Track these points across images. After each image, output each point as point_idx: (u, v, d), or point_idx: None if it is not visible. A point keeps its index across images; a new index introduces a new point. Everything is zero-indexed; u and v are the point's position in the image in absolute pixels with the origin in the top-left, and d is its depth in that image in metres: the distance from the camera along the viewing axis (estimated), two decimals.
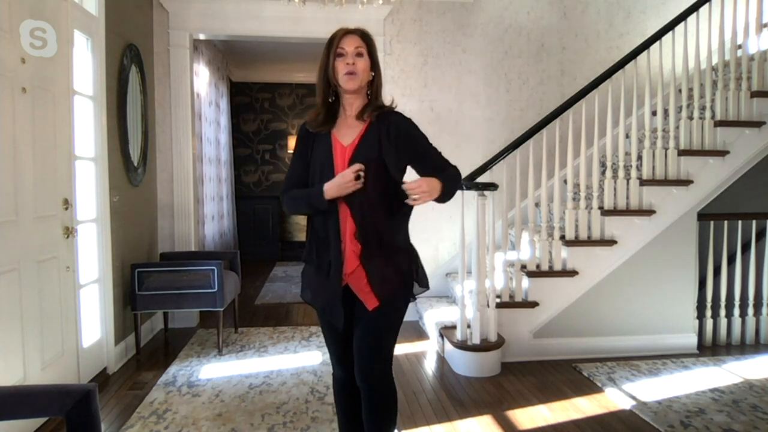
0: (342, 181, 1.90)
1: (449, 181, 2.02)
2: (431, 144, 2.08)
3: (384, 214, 1.98)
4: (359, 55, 1.97)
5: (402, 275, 2.03)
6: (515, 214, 4.05)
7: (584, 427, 2.85)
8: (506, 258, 3.87)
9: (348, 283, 2.00)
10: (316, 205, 1.96)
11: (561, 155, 4.08)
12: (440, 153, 2.08)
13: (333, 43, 1.99)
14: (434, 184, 1.94)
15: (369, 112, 2.00)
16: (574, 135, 4.29)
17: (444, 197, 2.01)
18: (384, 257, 1.98)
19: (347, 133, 2.02)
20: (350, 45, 1.97)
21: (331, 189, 1.92)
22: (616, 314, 3.95)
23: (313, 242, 2.05)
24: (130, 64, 3.99)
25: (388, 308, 1.99)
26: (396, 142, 1.99)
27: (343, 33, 2.00)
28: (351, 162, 1.95)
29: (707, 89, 4.10)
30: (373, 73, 2.02)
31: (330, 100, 2.05)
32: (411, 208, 2.02)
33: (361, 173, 1.90)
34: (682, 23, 3.95)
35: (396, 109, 2.07)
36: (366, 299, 1.98)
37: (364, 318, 2.00)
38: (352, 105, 2.03)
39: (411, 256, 2.09)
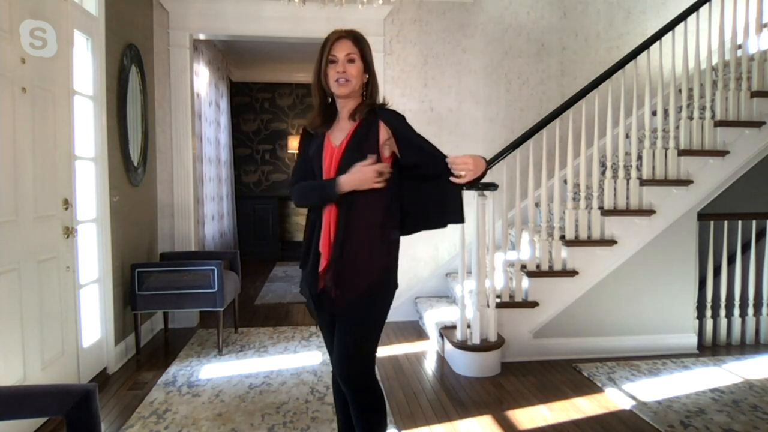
0: (363, 178, 1.90)
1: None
2: (422, 137, 2.03)
3: (370, 213, 1.96)
4: (351, 61, 1.97)
5: (374, 274, 1.98)
6: (515, 214, 4.05)
7: (584, 427, 2.85)
8: (506, 258, 3.87)
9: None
10: (326, 196, 1.96)
11: (561, 155, 4.08)
12: (433, 146, 2.01)
13: (325, 49, 1.98)
14: (480, 162, 1.89)
15: (360, 112, 2.00)
16: (574, 135, 4.29)
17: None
18: (358, 257, 1.95)
19: (338, 135, 2.03)
20: (341, 51, 1.97)
21: (348, 183, 1.91)
22: (616, 314, 3.95)
23: (304, 238, 2.11)
24: (130, 64, 3.99)
25: (358, 309, 1.97)
26: (383, 137, 1.99)
27: (335, 38, 1.99)
28: (341, 163, 1.96)
29: (707, 89, 4.10)
30: (367, 76, 2.02)
31: (328, 101, 2.07)
32: (398, 207, 2.02)
33: (384, 171, 1.91)
34: (682, 23, 3.95)
35: (389, 107, 2.06)
36: (335, 299, 1.98)
37: (337, 319, 2.00)
38: (345, 107, 2.04)
39: (390, 253, 2.03)
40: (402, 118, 2.04)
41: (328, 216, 1.98)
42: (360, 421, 2.01)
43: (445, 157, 1.95)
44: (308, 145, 2.09)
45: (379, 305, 2.02)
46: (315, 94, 2.05)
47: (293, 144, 8.47)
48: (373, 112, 2.01)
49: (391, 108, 2.07)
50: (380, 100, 2.08)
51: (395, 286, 2.06)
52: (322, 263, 1.99)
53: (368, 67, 2.02)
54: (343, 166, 1.95)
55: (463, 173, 1.87)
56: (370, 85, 2.04)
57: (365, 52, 2.01)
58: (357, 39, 2.00)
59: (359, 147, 1.97)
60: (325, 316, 2.08)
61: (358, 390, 1.99)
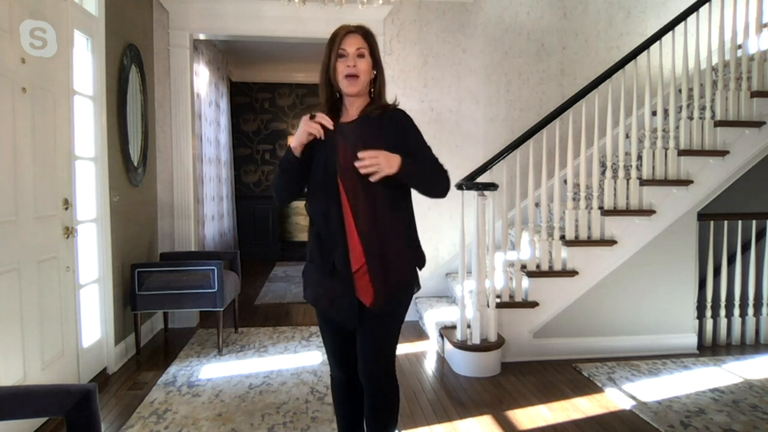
0: (299, 130, 1.89)
1: (426, 170, 1.96)
2: (427, 145, 2.03)
3: (388, 208, 1.94)
4: (360, 56, 1.94)
5: (405, 274, 2.00)
6: (515, 214, 4.05)
7: (584, 427, 2.85)
8: (506, 258, 3.87)
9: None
10: (287, 159, 1.95)
11: (561, 155, 4.08)
12: (434, 156, 2.02)
13: (335, 43, 1.95)
14: (393, 160, 1.83)
15: (371, 112, 1.99)
16: (574, 135, 4.29)
17: (413, 182, 1.95)
18: (387, 254, 1.94)
19: None
20: (351, 46, 1.94)
21: (293, 141, 1.93)
22: (616, 314, 3.95)
23: (315, 241, 2.00)
24: (130, 64, 3.99)
25: (391, 308, 1.98)
26: (395, 137, 1.97)
27: (345, 33, 1.96)
28: (350, 144, 1.91)
29: (707, 89, 4.09)
30: (375, 72, 2.00)
31: (336, 97, 2.04)
32: (409, 202, 2.02)
33: (324, 122, 1.86)
34: (682, 23, 3.95)
35: (397, 106, 2.05)
36: (365, 298, 1.95)
37: (368, 318, 1.97)
38: (353, 105, 2.02)
39: (416, 254, 2.06)
40: (414, 123, 2.04)
41: (349, 215, 1.91)
42: (377, 417, 2.02)
43: (438, 162, 2.01)
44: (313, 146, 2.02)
45: (410, 297, 2.06)
46: (322, 90, 2.03)
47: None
48: (383, 114, 1.98)
49: (401, 108, 2.05)
50: (393, 98, 2.07)
51: (419, 284, 2.10)
52: (355, 264, 1.92)
53: (377, 63, 2.00)
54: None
55: (366, 164, 1.81)
56: (378, 82, 2.02)
57: (374, 48, 1.99)
58: (366, 34, 1.98)
59: (369, 132, 1.95)
60: (340, 320, 2.01)
61: (383, 386, 2.01)
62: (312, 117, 1.88)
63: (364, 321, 1.98)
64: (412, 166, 1.90)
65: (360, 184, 1.89)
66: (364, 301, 1.95)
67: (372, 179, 1.84)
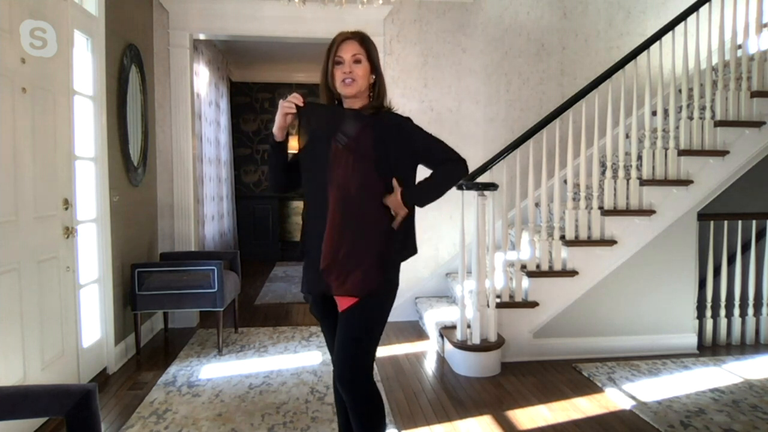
0: (278, 115, 2.01)
1: (434, 183, 2.04)
2: (431, 136, 2.07)
3: (364, 209, 1.94)
4: (357, 61, 1.97)
5: (377, 275, 1.94)
6: (515, 214, 4.05)
7: (584, 427, 2.85)
8: (506, 258, 3.87)
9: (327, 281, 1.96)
10: (269, 143, 2.11)
11: (561, 155, 4.08)
12: (443, 144, 2.08)
13: (332, 50, 1.99)
14: (396, 203, 1.95)
15: (364, 110, 2.01)
16: (574, 135, 4.29)
17: (427, 202, 2.03)
18: (357, 255, 1.92)
19: None
20: (347, 52, 1.96)
21: (274, 125, 2.05)
22: (616, 314, 3.95)
23: (302, 235, 2.08)
24: (130, 64, 3.99)
25: (361, 310, 1.94)
26: (396, 144, 1.99)
27: (341, 39, 1.99)
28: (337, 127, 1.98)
29: (707, 89, 4.09)
30: (374, 76, 2.02)
31: (335, 102, 2.07)
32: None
33: (297, 101, 1.97)
34: (682, 23, 3.95)
35: (393, 110, 2.07)
36: (338, 299, 1.97)
37: (340, 320, 1.98)
38: (352, 107, 2.03)
39: (380, 263, 1.97)
40: (412, 123, 2.05)
41: (332, 213, 1.93)
42: (357, 425, 2.00)
43: (447, 159, 2.06)
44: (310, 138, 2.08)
45: (386, 300, 2.02)
46: (322, 96, 2.06)
47: (293, 144, 8.43)
48: (376, 114, 2.00)
49: (395, 112, 2.06)
50: (387, 101, 2.07)
51: (396, 286, 2.05)
52: (323, 262, 1.94)
53: (375, 68, 2.02)
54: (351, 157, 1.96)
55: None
56: (377, 86, 2.03)
57: (372, 53, 2.01)
58: (363, 40, 2.00)
59: (356, 131, 1.99)
60: (329, 317, 2.06)
61: (357, 393, 1.97)
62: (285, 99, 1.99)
63: (339, 323, 2.00)
64: (416, 194, 2.00)
65: (336, 178, 1.93)
66: (337, 301, 1.99)
67: (394, 225, 1.96)
